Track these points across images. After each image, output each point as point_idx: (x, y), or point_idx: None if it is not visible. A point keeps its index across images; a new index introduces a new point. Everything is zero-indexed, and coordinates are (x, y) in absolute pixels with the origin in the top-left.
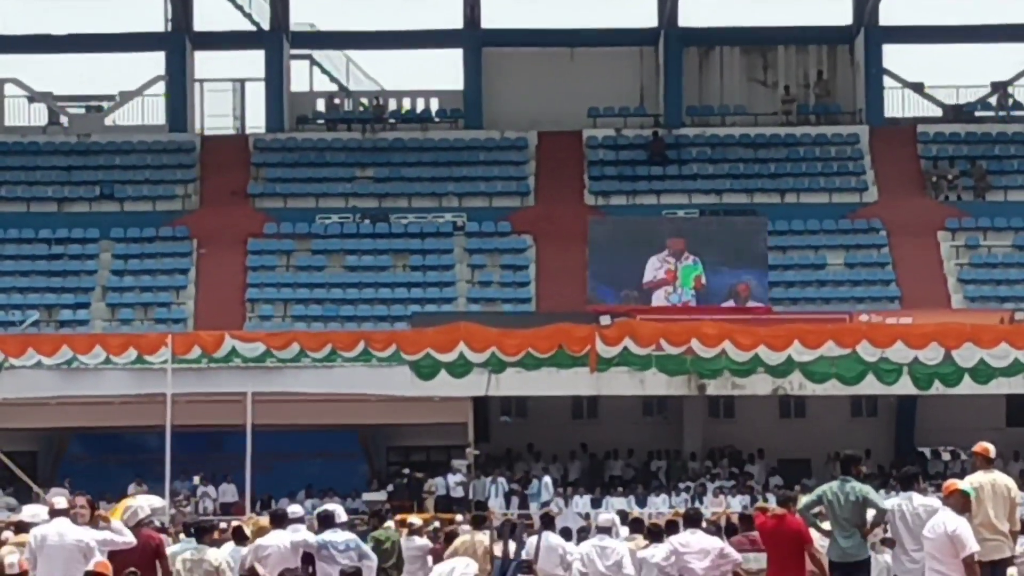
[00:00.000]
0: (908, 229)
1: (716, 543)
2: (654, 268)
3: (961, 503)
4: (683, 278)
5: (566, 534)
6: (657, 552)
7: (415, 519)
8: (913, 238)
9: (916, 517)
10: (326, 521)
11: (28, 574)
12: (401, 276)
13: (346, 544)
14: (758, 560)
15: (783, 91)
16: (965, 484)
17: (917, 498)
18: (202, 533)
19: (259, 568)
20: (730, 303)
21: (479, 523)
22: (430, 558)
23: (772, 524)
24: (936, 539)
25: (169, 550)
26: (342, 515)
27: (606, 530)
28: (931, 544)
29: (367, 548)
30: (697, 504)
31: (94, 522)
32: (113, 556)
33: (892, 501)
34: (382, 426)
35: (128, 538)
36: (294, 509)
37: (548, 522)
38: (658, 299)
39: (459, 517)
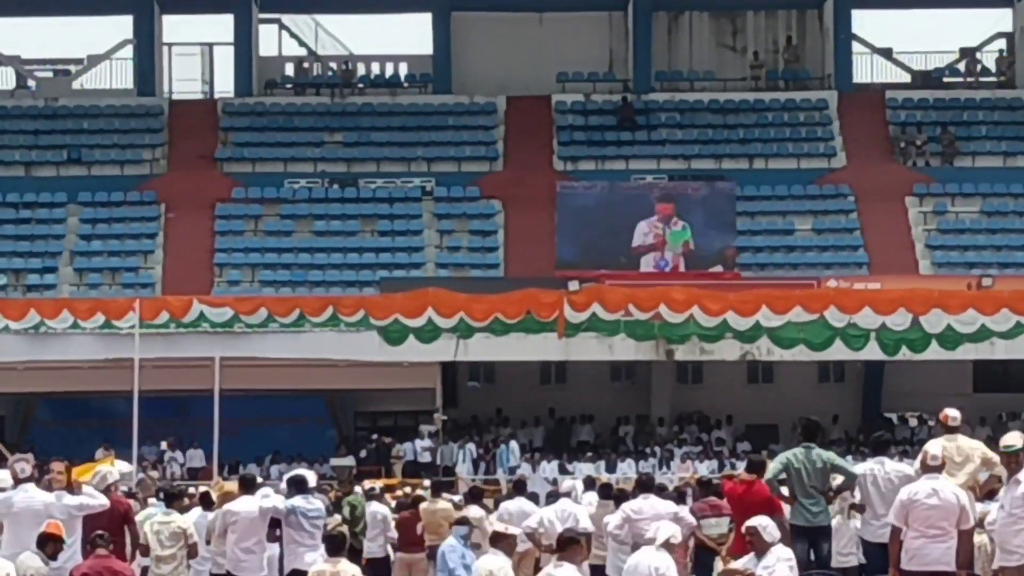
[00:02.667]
0: (876, 195)
1: (670, 507)
2: (643, 233)
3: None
4: (671, 243)
5: (533, 499)
6: (611, 519)
7: (375, 484)
8: (881, 204)
9: (888, 482)
10: (298, 486)
11: None
12: (369, 241)
13: (316, 511)
14: (719, 525)
15: (752, 56)
16: (934, 447)
17: (889, 463)
18: (171, 499)
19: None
20: (718, 268)
21: (438, 490)
22: (392, 523)
23: (740, 491)
24: (942, 507)
25: (140, 515)
26: (312, 481)
27: (567, 495)
28: (934, 512)
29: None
30: (664, 470)
31: (70, 487)
32: (83, 520)
33: (863, 466)
34: (350, 391)
35: (102, 501)
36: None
37: (521, 487)
38: (646, 264)
39: (427, 482)
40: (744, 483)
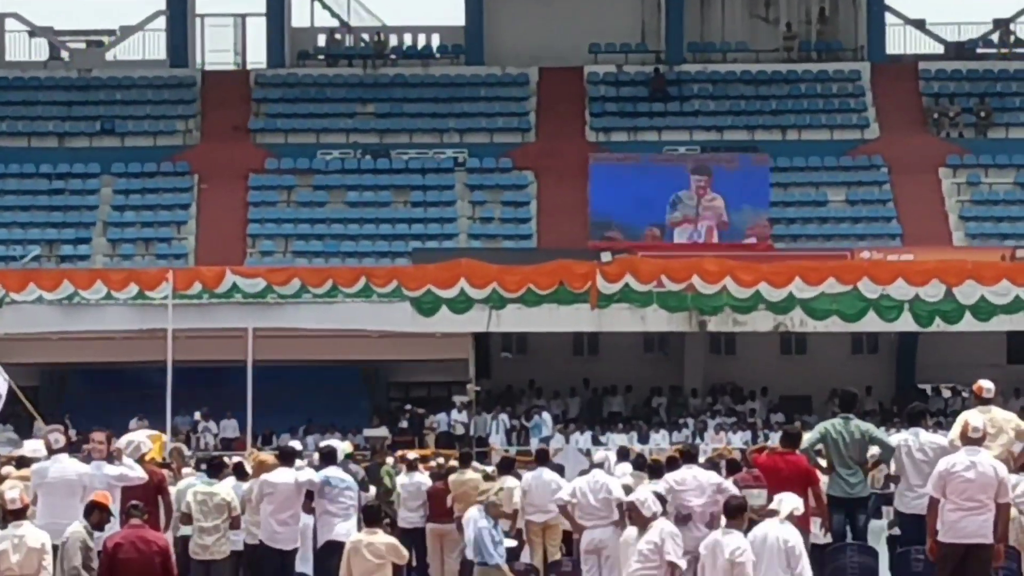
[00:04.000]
0: (909, 166)
1: (713, 478)
2: (676, 204)
3: None
4: (706, 216)
5: (561, 471)
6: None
7: (412, 454)
8: (914, 175)
9: (923, 453)
10: (328, 458)
11: (29, 508)
12: (402, 212)
13: (346, 481)
14: (760, 496)
15: (785, 27)
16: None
17: (924, 435)
18: (215, 470)
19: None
20: (752, 240)
21: (467, 460)
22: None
23: (775, 463)
24: (981, 480)
25: (179, 484)
26: (348, 450)
27: (600, 466)
28: (972, 485)
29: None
30: (698, 441)
31: (110, 457)
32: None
33: (898, 437)
34: (383, 362)
35: (140, 473)
36: (293, 444)
37: (543, 457)
38: (680, 236)
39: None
40: (779, 455)
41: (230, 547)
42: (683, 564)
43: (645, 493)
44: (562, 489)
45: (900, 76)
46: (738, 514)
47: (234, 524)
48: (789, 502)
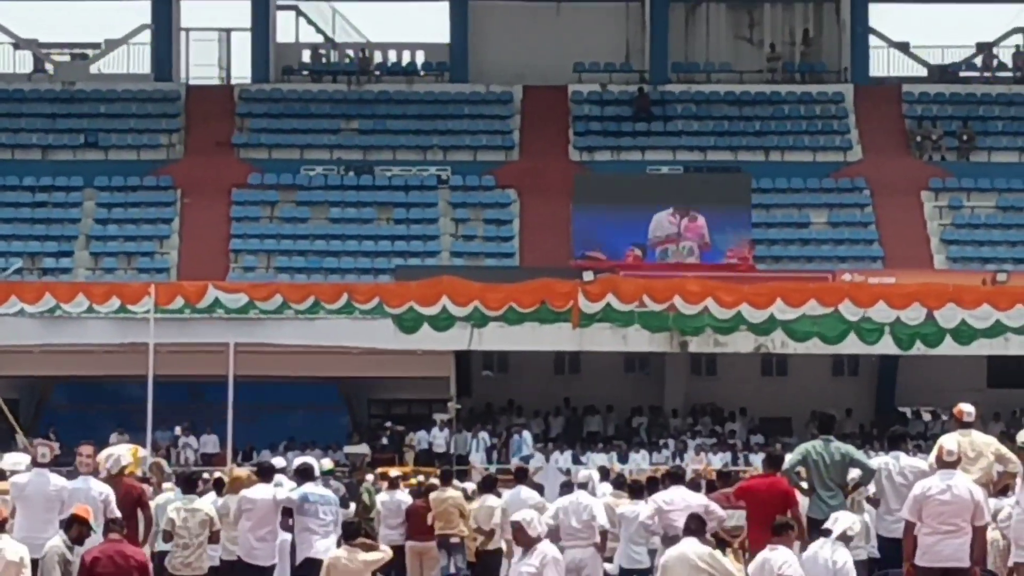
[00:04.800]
0: (892, 189)
1: (700, 500)
2: (658, 224)
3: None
4: (688, 237)
5: (540, 491)
6: (641, 510)
7: (394, 471)
8: (897, 198)
9: (903, 477)
10: (305, 474)
11: (8, 522)
12: (385, 229)
13: (324, 498)
14: (734, 517)
15: (768, 49)
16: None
17: (904, 458)
18: (190, 486)
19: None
20: (734, 260)
21: (447, 478)
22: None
23: (756, 485)
24: (956, 503)
25: (158, 499)
26: (324, 467)
27: (583, 486)
28: (947, 508)
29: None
30: (678, 461)
31: (96, 471)
32: None
33: (879, 460)
34: (364, 379)
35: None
36: (275, 461)
37: (522, 475)
38: (662, 256)
39: (439, 471)
40: (761, 477)
41: (209, 562)
42: None
43: (531, 513)
44: (546, 511)
45: (883, 98)
46: (784, 531)
47: (213, 539)
48: (844, 520)
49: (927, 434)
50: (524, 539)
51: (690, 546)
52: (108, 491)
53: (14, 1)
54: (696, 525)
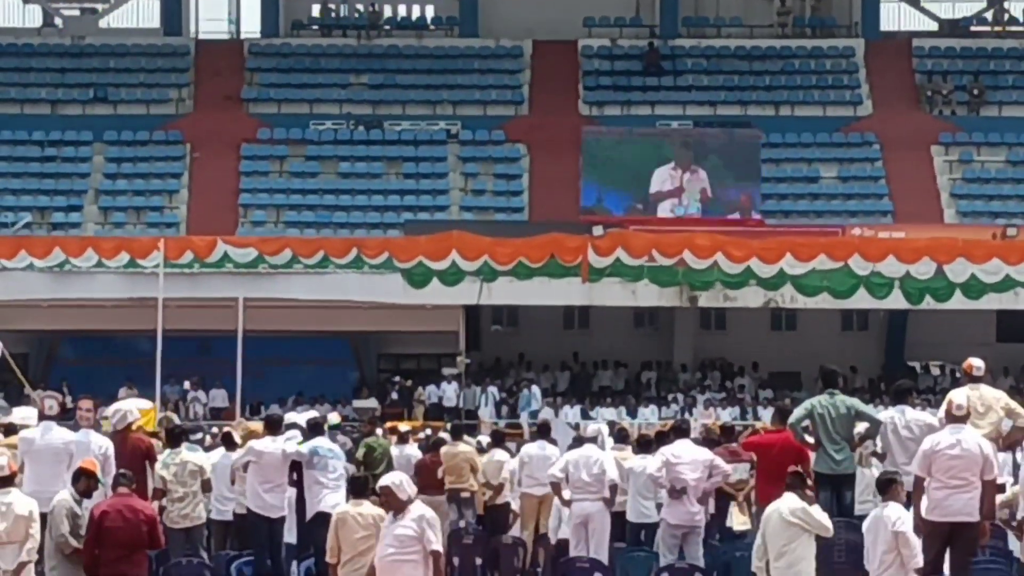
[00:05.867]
0: (902, 143)
1: (707, 455)
2: (661, 180)
3: None
4: (690, 191)
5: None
6: (649, 463)
7: (404, 426)
8: (906, 152)
9: (909, 431)
10: (316, 429)
11: (16, 476)
12: (394, 183)
13: (334, 452)
14: (738, 471)
15: (779, 3)
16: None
17: (910, 412)
18: (175, 439)
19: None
20: (736, 215)
21: (458, 433)
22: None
23: (767, 440)
24: (965, 457)
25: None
26: (331, 422)
27: (592, 440)
28: (957, 462)
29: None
30: (687, 415)
31: (97, 425)
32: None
33: (885, 414)
34: (373, 333)
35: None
36: (290, 417)
37: (545, 431)
38: (663, 211)
39: (448, 426)
40: (773, 432)
41: (204, 512)
42: (441, 549)
43: (400, 476)
44: (554, 464)
45: (894, 53)
46: (890, 487)
47: (205, 487)
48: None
49: (936, 389)
50: (395, 503)
51: (785, 502)
52: (108, 444)
53: None
54: (794, 480)
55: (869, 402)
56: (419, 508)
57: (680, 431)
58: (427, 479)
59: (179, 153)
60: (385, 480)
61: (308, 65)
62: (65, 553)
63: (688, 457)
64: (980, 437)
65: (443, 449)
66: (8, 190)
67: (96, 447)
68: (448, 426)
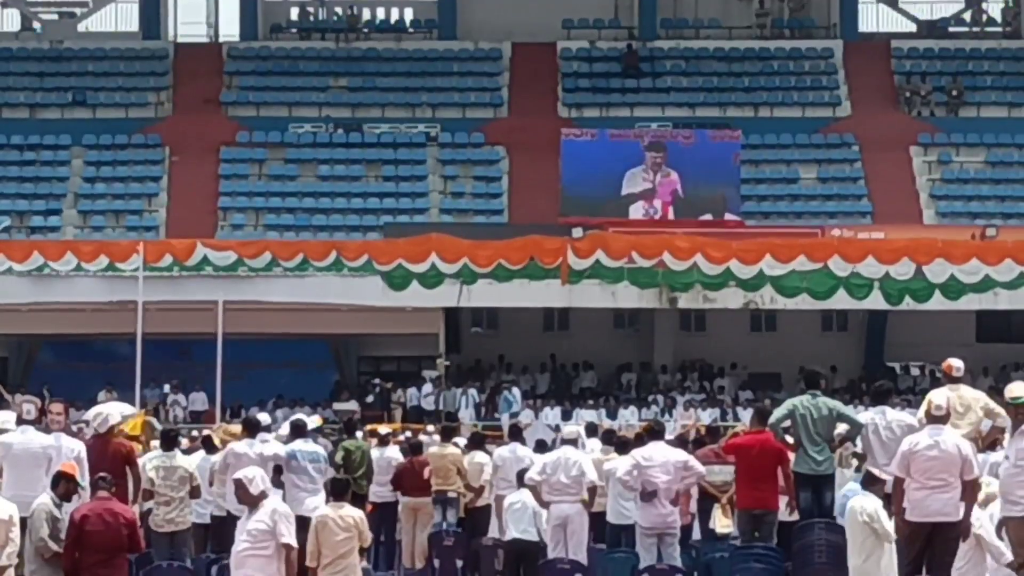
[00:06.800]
0: (881, 144)
1: (680, 456)
2: (631, 181)
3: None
4: (661, 192)
5: (542, 446)
6: (620, 465)
7: (384, 428)
8: (886, 153)
9: (889, 431)
10: (297, 431)
11: None
12: (374, 186)
13: (313, 455)
14: (723, 473)
15: (757, 4)
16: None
17: (891, 413)
18: (169, 443)
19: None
20: (708, 216)
21: (448, 435)
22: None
23: (746, 442)
24: (944, 458)
25: (145, 457)
26: (311, 424)
27: (571, 442)
28: (935, 463)
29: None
30: (667, 417)
31: (68, 429)
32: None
33: (865, 415)
34: (353, 336)
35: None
36: (262, 418)
37: (516, 433)
38: (636, 212)
39: (430, 428)
40: (752, 433)
41: (192, 518)
42: (294, 543)
43: (254, 471)
44: (532, 467)
45: (872, 54)
46: (873, 483)
47: (194, 494)
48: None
49: (916, 389)
50: (248, 498)
51: (861, 500)
52: (80, 447)
53: None
54: (870, 479)
55: (849, 403)
56: (273, 502)
57: (654, 433)
58: (411, 481)
59: (158, 156)
60: (238, 474)
61: (287, 68)
62: (45, 557)
63: (660, 459)
64: (959, 437)
65: (432, 450)
66: None
67: (68, 451)
68: (432, 428)
